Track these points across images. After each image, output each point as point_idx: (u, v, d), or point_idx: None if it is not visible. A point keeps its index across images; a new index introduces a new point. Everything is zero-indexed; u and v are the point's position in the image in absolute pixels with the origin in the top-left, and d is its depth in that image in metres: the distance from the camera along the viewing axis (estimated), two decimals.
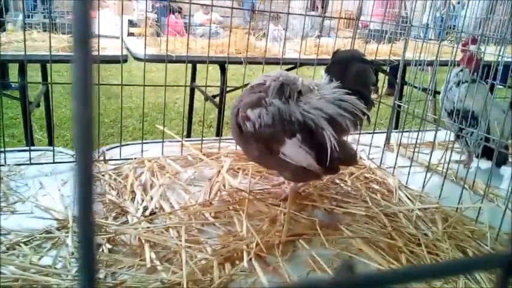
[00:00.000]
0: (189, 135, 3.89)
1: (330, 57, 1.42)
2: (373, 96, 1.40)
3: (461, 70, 1.80)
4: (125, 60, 2.97)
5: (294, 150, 1.22)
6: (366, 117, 1.34)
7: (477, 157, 1.76)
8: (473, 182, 1.56)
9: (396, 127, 2.58)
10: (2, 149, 1.48)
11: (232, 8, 1.57)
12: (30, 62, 3.22)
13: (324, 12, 5.07)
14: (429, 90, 2.02)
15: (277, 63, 2.01)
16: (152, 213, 1.24)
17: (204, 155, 1.64)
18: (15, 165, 1.45)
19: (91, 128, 0.19)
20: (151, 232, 1.13)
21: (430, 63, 2.09)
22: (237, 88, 3.27)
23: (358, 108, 1.28)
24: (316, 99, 1.26)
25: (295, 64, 2.83)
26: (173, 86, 1.78)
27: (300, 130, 1.21)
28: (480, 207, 1.34)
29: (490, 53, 1.95)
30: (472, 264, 0.28)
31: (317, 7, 5.73)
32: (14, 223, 1.14)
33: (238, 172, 1.54)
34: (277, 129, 1.20)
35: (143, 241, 1.08)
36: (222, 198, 1.36)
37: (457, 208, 1.39)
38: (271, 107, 1.21)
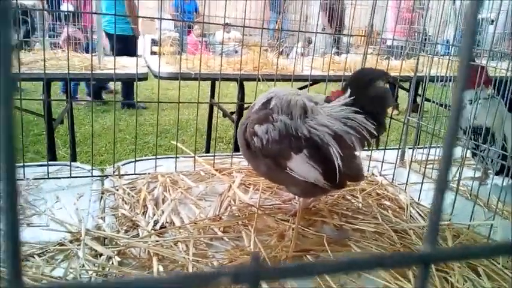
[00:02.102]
0: (208, 151, 3.93)
1: (344, 73, 1.41)
2: (395, 112, 1.38)
3: (482, 89, 1.76)
4: (145, 78, 3.07)
5: (301, 166, 1.22)
6: (373, 139, 1.31)
7: (496, 174, 1.72)
8: (488, 199, 1.53)
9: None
10: (22, 164, 1.53)
11: (244, 26, 1.61)
12: (54, 80, 3.34)
13: (338, 30, 5.08)
14: (447, 106, 2.00)
15: (290, 80, 2.03)
16: (162, 227, 1.27)
17: (216, 170, 1.66)
18: (34, 179, 1.50)
19: (13, 142, 0.21)
20: (160, 246, 1.15)
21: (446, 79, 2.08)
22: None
23: (365, 127, 1.27)
24: (323, 116, 1.27)
25: (310, 81, 2.85)
26: (186, 102, 1.82)
27: (306, 146, 1.22)
28: (492, 224, 1.31)
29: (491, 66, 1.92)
30: (396, 260, 0.29)
31: (324, 27, 5.62)
32: (29, 235, 1.18)
33: (249, 187, 1.56)
34: (284, 144, 1.22)
35: (152, 254, 1.11)
36: (231, 213, 1.37)
37: (469, 225, 1.36)
38: (278, 123, 1.23)
